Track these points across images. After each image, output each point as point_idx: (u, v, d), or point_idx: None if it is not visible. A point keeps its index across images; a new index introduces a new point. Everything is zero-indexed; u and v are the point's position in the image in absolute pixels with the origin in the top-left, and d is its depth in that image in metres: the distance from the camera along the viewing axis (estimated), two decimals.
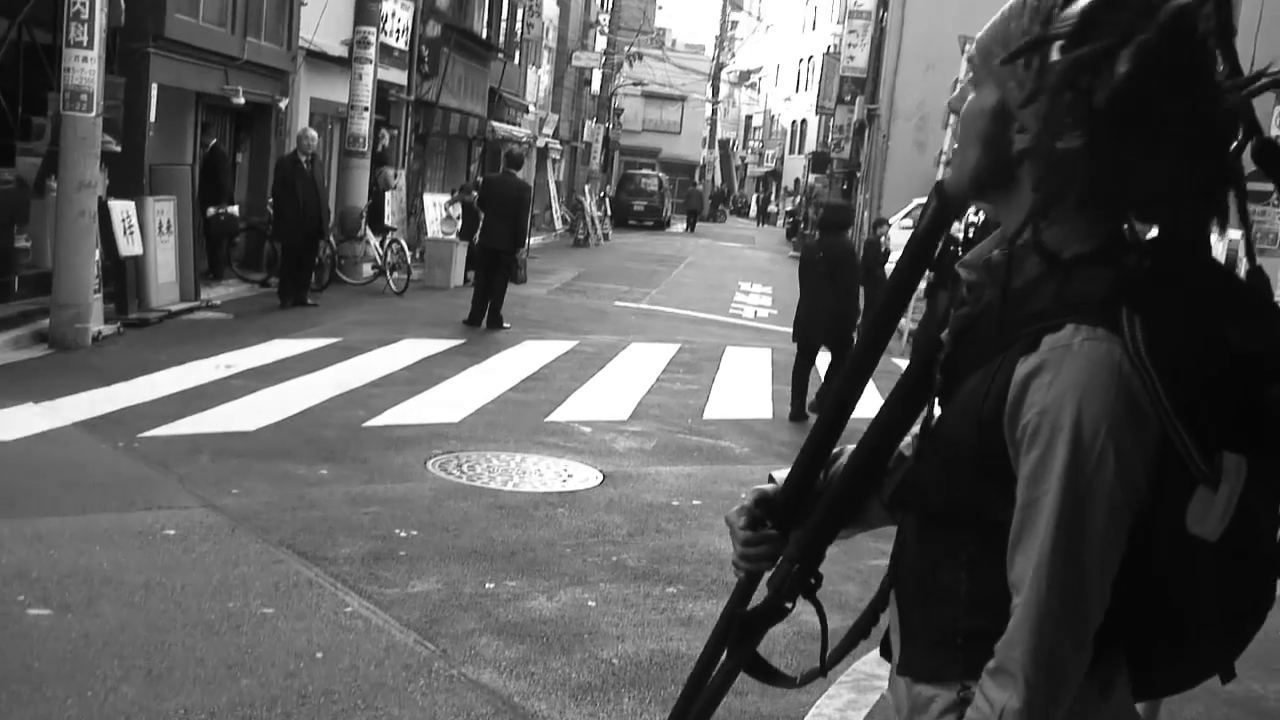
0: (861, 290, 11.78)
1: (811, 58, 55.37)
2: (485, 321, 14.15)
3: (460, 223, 19.30)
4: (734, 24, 63.25)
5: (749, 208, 69.52)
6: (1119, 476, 1.36)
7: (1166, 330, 1.35)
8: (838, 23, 44.84)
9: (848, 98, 36.27)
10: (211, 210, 14.83)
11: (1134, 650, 1.51)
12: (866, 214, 30.42)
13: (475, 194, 17.21)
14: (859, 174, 33.46)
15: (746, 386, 12.05)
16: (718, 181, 68.06)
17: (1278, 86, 1.41)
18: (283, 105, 16.80)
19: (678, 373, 12.41)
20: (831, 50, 44.68)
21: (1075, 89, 1.39)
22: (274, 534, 5.94)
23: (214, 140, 15.85)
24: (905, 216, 24.76)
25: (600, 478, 7.72)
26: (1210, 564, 1.40)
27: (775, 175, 68.30)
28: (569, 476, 7.69)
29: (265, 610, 4.95)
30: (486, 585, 5.53)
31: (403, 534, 6.16)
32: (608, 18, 42.27)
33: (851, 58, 33.95)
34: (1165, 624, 1.47)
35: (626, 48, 43.18)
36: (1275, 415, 1.38)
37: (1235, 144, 1.42)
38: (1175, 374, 1.34)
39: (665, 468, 8.21)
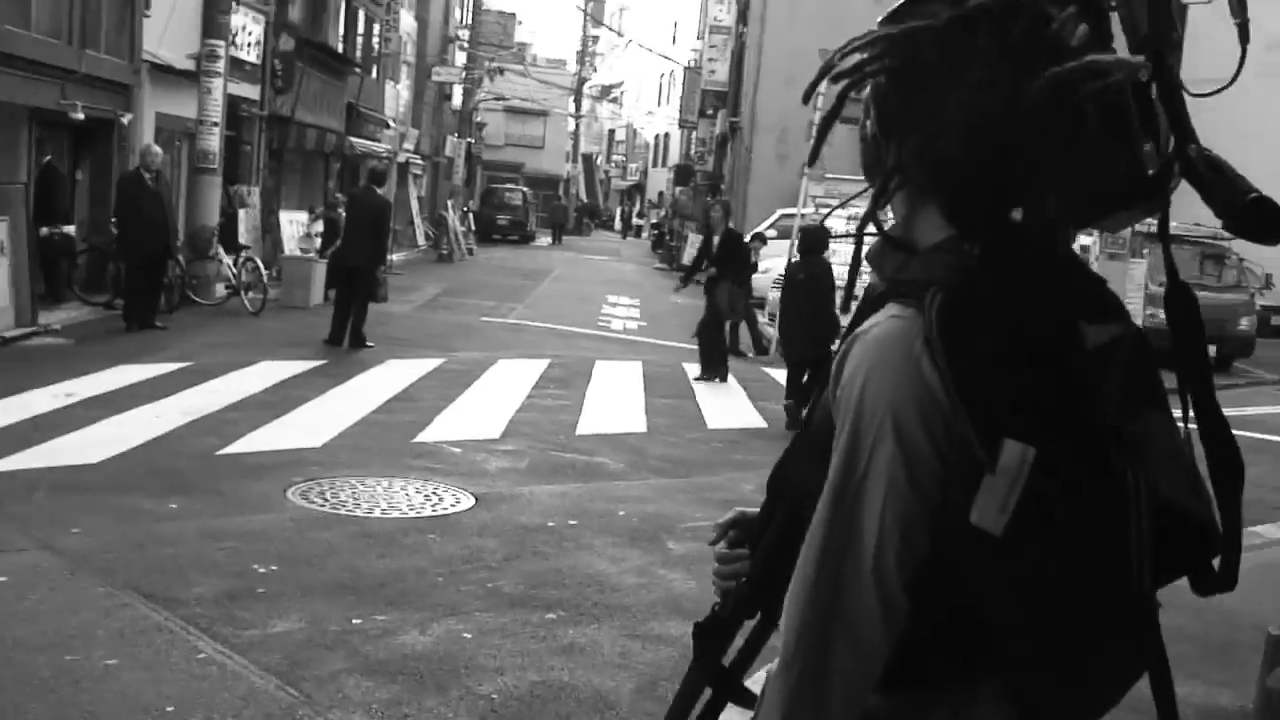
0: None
1: (673, 71, 55.59)
2: (347, 340, 13.67)
3: (320, 240, 18.73)
4: (595, 39, 63.29)
5: (614, 221, 69.61)
6: (899, 458, 1.30)
7: (967, 309, 1.29)
8: (698, 37, 45.16)
9: (710, 111, 36.44)
10: (45, 230, 14.06)
11: (983, 675, 1.39)
12: (730, 225, 30.58)
13: (342, 210, 16.70)
14: (723, 186, 33.60)
15: (619, 401, 11.81)
16: (582, 195, 67.98)
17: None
18: (125, 121, 16.07)
19: (548, 388, 12.12)
20: (693, 64, 44.93)
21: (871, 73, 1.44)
22: (118, 576, 5.48)
23: (48, 157, 15.03)
24: (770, 227, 24.88)
25: (472, 500, 7.39)
26: (1013, 567, 1.28)
27: (639, 188, 68.45)
28: (439, 500, 7.34)
29: (109, 662, 4.52)
30: (353, 621, 5.16)
31: (261, 569, 5.74)
32: (467, 33, 41.84)
33: (713, 71, 34.12)
34: (995, 639, 1.34)
35: (487, 63, 42.79)
36: (1059, 402, 1.30)
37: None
38: (962, 352, 1.28)
39: (539, 487, 7.91)
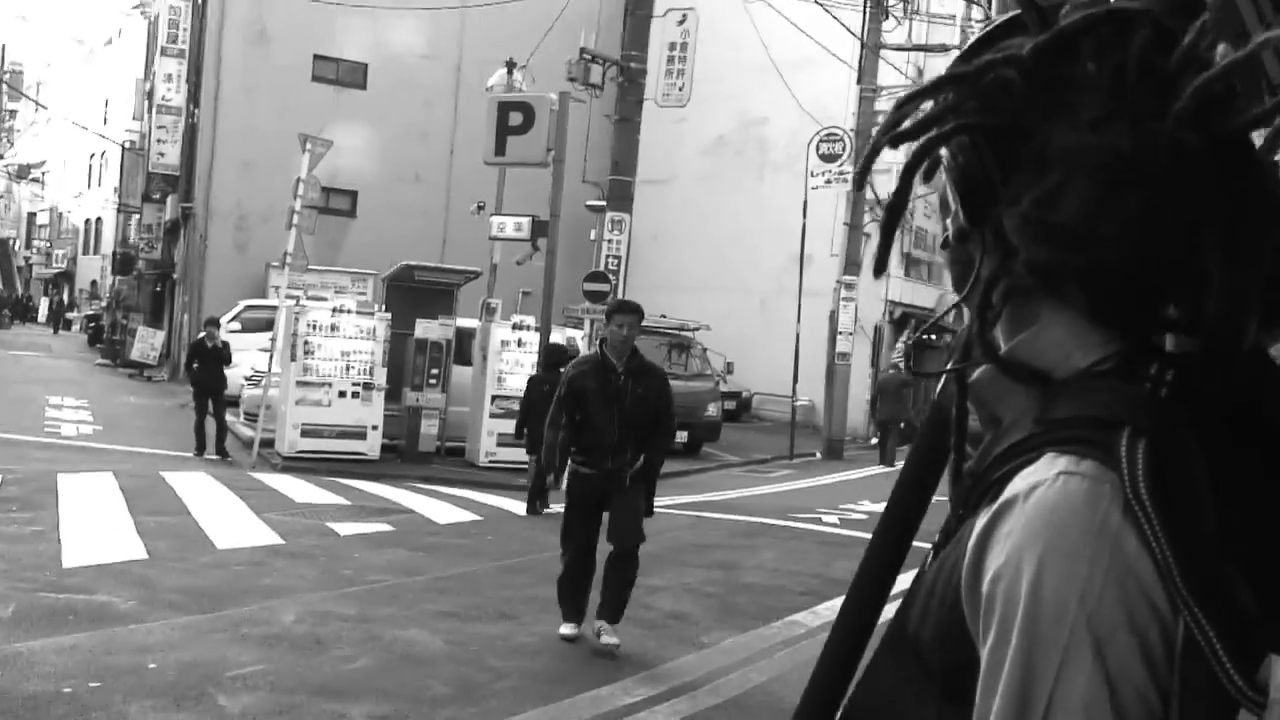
0: None
1: (105, 152, 51.74)
2: None
3: None
4: (11, 113, 57.71)
5: (38, 312, 63.38)
6: (1100, 684, 0.88)
7: (1184, 461, 0.89)
8: (135, 117, 42.36)
9: (158, 195, 34.09)
10: None
11: None
12: (186, 316, 28.61)
13: None
14: (175, 275, 31.45)
15: (103, 521, 10.29)
16: None
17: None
18: None
19: (10, 510, 10.36)
20: (131, 144, 42.04)
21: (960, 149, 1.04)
22: None
23: None
24: (234, 320, 23.48)
25: None
26: None
27: (68, 277, 62.87)
28: None
29: None
30: None
31: None
32: None
33: (162, 154, 31.94)
34: None
35: None
36: None
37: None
38: (1188, 525, 0.88)
39: (38, 642, 6.51)
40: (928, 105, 1.04)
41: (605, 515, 7.36)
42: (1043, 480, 0.92)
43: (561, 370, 12.77)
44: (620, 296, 17.48)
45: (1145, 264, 0.95)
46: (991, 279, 1.02)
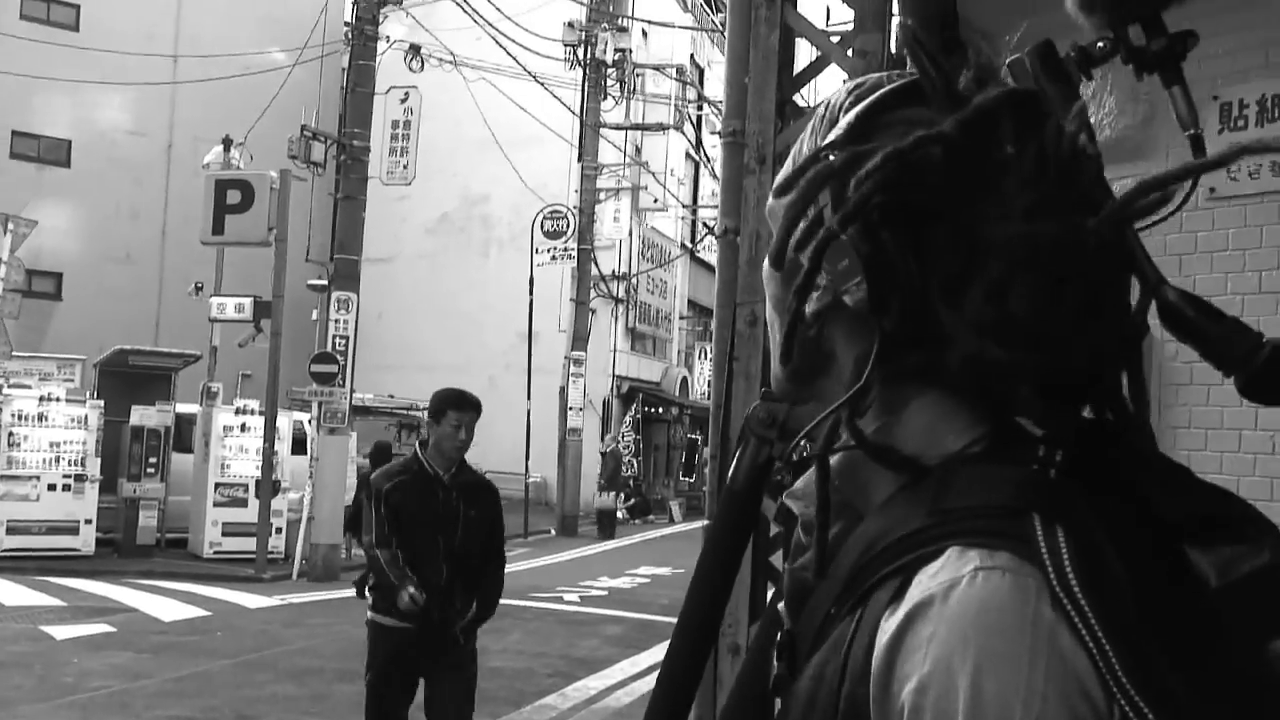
0: None
1: None
2: None
3: None
4: None
5: None
6: None
7: (1103, 551, 0.85)
8: None
9: None
10: None
11: None
12: None
13: None
14: None
15: None
16: None
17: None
18: None
19: None
20: None
21: (846, 204, 0.95)
22: None
23: None
24: None
25: None
26: None
27: None
28: None
29: None
30: None
31: None
32: None
33: None
34: None
35: None
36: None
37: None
38: (1126, 618, 0.83)
39: None
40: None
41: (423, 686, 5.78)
42: (958, 577, 0.85)
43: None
44: (351, 376, 17.20)
45: (1087, 359, 0.94)
46: (874, 364, 0.96)
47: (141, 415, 16.22)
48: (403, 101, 19.87)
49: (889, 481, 0.98)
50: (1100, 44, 0.99)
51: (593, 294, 25.78)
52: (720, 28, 33.58)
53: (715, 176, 31.84)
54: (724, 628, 4.41)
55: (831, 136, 1.01)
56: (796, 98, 4.91)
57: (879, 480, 0.99)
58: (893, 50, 4.56)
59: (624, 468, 28.05)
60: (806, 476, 1.08)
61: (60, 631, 10.29)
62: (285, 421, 17.19)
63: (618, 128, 26.05)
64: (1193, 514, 0.91)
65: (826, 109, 1.08)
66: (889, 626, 0.86)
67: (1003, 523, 0.86)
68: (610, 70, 24.74)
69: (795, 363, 1.05)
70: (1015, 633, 0.82)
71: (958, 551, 0.85)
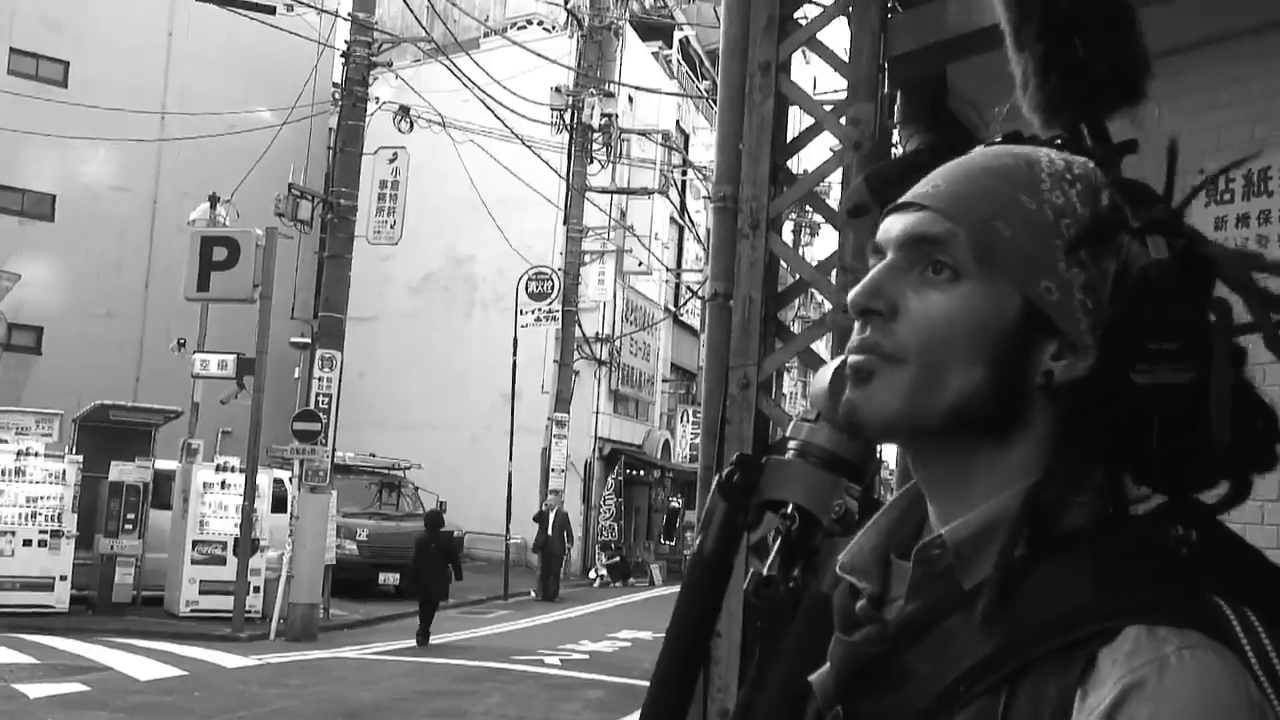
0: None
1: None
2: None
3: None
4: None
5: None
6: None
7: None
8: None
9: None
10: None
11: None
12: None
13: None
14: None
15: None
16: None
17: None
18: None
19: None
20: None
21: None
22: None
23: None
24: None
25: None
26: None
27: None
28: None
29: None
30: None
31: None
32: None
33: None
34: None
35: None
36: None
37: None
38: None
39: None
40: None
41: None
42: (1163, 656, 0.86)
43: (441, 531, 15.77)
44: (333, 435, 17.12)
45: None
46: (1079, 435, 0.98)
47: (120, 471, 16.09)
48: (391, 161, 19.98)
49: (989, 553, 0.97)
50: (1058, 140, 1.06)
51: (576, 356, 25.82)
52: (705, 94, 33.98)
53: (700, 241, 32.10)
54: (714, 692, 4.39)
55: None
56: (790, 163, 4.96)
57: (987, 548, 0.97)
58: (885, 121, 4.63)
59: (603, 531, 27.92)
60: (855, 548, 1.07)
61: (34, 690, 10.14)
62: (265, 479, 17.09)
63: (603, 191, 26.23)
64: (1272, 594, 0.93)
65: (1063, 167, 1.03)
66: (1093, 705, 0.86)
67: (1185, 602, 0.88)
68: (596, 135, 24.94)
69: (979, 410, 1.00)
70: (1239, 712, 0.84)
71: (1144, 631, 0.87)
